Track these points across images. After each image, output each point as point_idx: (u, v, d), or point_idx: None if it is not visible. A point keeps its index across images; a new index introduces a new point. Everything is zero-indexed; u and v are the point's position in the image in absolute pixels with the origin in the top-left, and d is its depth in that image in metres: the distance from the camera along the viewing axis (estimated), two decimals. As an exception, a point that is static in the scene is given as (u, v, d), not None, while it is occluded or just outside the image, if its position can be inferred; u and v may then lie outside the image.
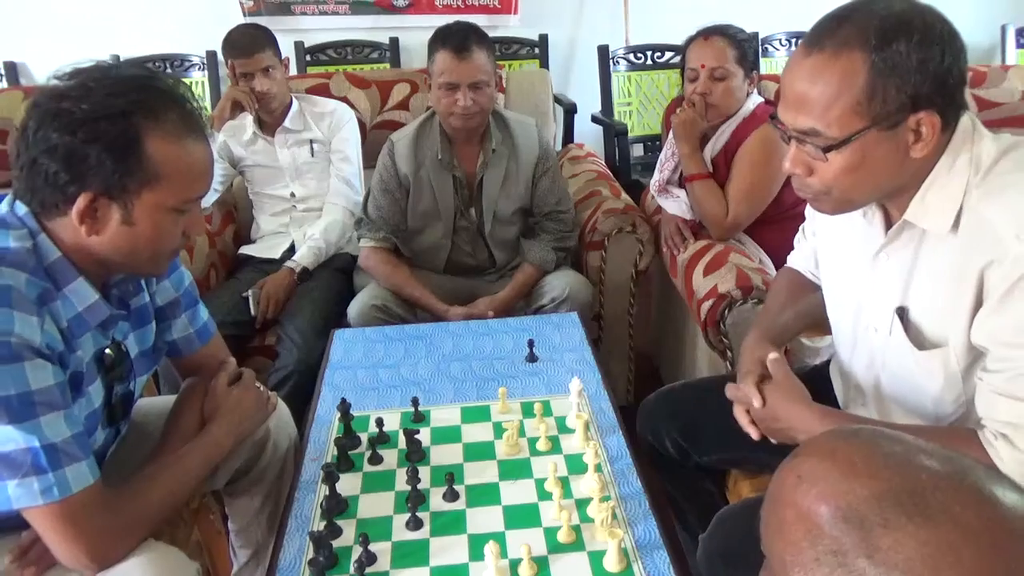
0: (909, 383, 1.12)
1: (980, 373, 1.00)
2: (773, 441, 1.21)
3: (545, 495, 1.24)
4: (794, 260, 1.47)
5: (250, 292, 2.14)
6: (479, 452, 1.36)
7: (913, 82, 0.93)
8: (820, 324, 1.42)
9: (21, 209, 1.05)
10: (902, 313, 1.09)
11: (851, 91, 0.95)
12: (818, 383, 1.37)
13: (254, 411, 1.33)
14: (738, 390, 1.23)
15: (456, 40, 1.93)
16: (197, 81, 3.45)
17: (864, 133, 0.96)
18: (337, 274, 2.32)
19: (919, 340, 1.08)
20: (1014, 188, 0.96)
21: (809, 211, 1.37)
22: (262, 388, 1.37)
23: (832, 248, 1.26)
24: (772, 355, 1.23)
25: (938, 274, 1.03)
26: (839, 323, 1.27)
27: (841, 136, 0.97)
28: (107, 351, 1.15)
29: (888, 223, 1.10)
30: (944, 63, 0.94)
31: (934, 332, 1.06)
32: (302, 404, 1.69)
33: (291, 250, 2.35)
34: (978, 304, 0.98)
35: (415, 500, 1.20)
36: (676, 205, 2.12)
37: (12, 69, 3.44)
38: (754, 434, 1.22)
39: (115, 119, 1.00)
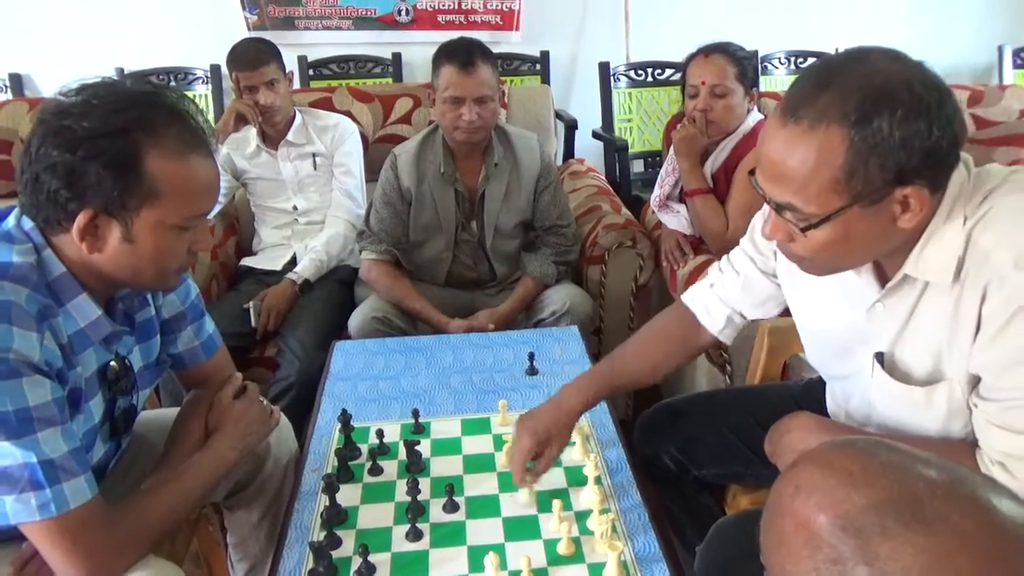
0: (906, 422, 1.08)
1: (975, 399, 0.98)
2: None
3: (545, 507, 1.24)
4: (700, 297, 1.38)
5: (251, 304, 2.14)
6: (479, 464, 1.36)
7: (896, 160, 0.87)
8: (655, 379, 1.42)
9: (27, 224, 1.05)
10: (880, 357, 1.06)
11: (829, 169, 0.89)
12: (813, 396, 1.37)
13: (258, 425, 1.32)
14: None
15: (461, 55, 1.95)
16: (201, 94, 3.48)
17: (844, 211, 0.91)
18: (338, 286, 2.32)
19: (908, 378, 1.04)
20: (1009, 213, 0.93)
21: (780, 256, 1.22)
22: (265, 402, 1.38)
23: (813, 295, 1.18)
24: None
25: (938, 313, 0.98)
26: (824, 366, 1.24)
27: (821, 214, 0.92)
28: (111, 364, 1.15)
29: (880, 274, 1.06)
30: (932, 136, 0.87)
31: (931, 368, 1.02)
32: (302, 416, 1.69)
33: (293, 262, 2.36)
34: (977, 333, 0.95)
35: (415, 511, 1.20)
36: (676, 220, 2.14)
37: (17, 81, 3.46)
38: None
39: (114, 136, 1.00)
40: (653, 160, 3.47)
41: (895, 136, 0.86)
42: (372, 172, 2.36)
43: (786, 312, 1.30)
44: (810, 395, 1.40)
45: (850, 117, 0.87)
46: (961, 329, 0.96)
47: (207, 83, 3.48)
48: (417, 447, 1.35)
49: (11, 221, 1.07)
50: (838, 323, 1.13)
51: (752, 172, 1.00)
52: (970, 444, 1.01)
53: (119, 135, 1.00)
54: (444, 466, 1.36)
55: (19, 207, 1.07)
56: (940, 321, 0.98)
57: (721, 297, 1.35)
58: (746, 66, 1.98)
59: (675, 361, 1.42)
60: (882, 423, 1.14)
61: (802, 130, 0.90)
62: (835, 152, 0.88)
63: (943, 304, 0.97)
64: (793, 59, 3.65)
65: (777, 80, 3.62)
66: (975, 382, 0.98)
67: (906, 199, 0.91)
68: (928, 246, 0.96)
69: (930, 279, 0.97)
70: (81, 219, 1.01)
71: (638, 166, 3.49)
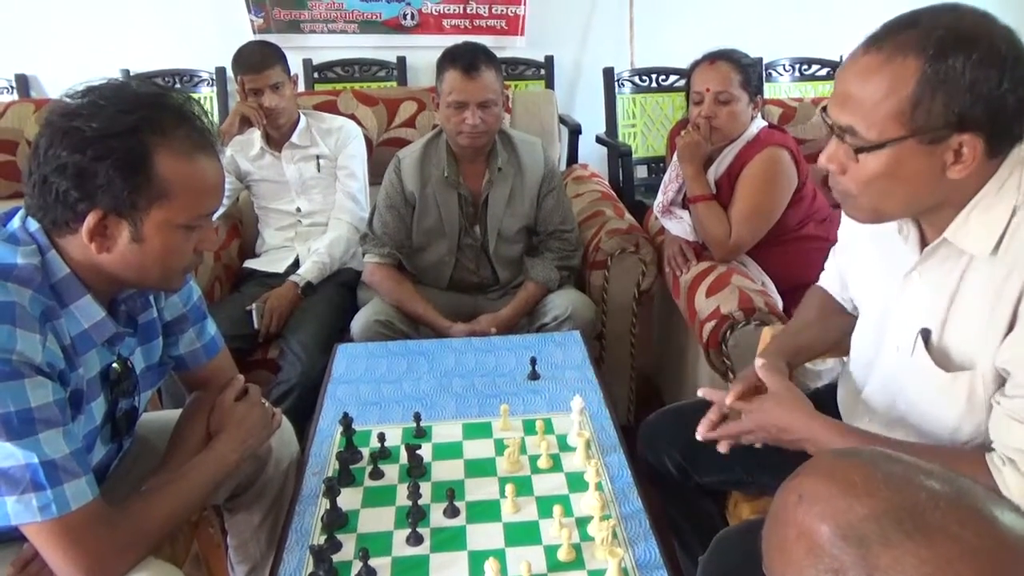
0: (926, 407, 1.09)
1: (997, 396, 0.99)
2: (752, 447, 1.21)
3: (546, 512, 1.24)
4: (824, 280, 1.45)
5: (254, 306, 2.15)
6: (480, 468, 1.36)
7: (962, 101, 0.90)
8: (843, 347, 1.42)
9: (33, 225, 1.06)
10: (926, 335, 1.07)
11: (897, 96, 0.93)
12: (817, 403, 1.37)
13: (260, 427, 1.32)
14: (712, 392, 1.25)
15: (465, 60, 1.96)
16: (206, 97, 3.48)
17: (901, 142, 0.94)
18: (341, 289, 2.33)
19: (944, 362, 1.05)
20: None
21: (841, 226, 1.33)
22: (267, 404, 1.38)
23: (862, 263, 1.24)
24: (759, 361, 1.22)
25: (976, 297, 1.00)
26: (859, 340, 1.25)
27: (877, 140, 0.95)
28: (113, 366, 1.16)
29: (923, 242, 1.07)
30: (1000, 88, 0.90)
31: (963, 354, 1.03)
32: (304, 418, 1.70)
33: (296, 264, 2.36)
34: (1012, 328, 0.96)
35: (415, 515, 1.21)
36: (679, 226, 2.13)
37: (23, 82, 3.47)
38: (722, 448, 1.23)
39: (124, 136, 1.00)
40: (657, 166, 3.48)
41: (966, 76, 0.90)
42: (376, 175, 2.36)
43: None
44: (815, 402, 1.39)
45: (928, 51, 0.91)
46: (998, 317, 0.97)
47: (212, 86, 3.49)
48: (418, 451, 1.35)
49: (16, 223, 1.07)
50: (876, 294, 1.16)
51: (824, 109, 1.03)
52: (979, 454, 1.00)
53: (128, 135, 1.01)
54: (445, 470, 1.36)
55: (24, 208, 1.07)
56: (979, 302, 1.00)
57: (832, 278, 1.40)
58: (751, 73, 1.98)
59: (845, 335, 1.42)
60: (900, 413, 1.14)
61: (881, 59, 0.94)
62: (906, 82, 0.92)
63: (984, 283, 0.99)
64: (798, 66, 3.65)
65: (781, 87, 3.62)
66: (1000, 380, 0.99)
67: (960, 147, 0.93)
68: (974, 213, 0.98)
69: (968, 247, 0.99)
70: (91, 219, 1.02)
71: (642, 172, 3.49)
